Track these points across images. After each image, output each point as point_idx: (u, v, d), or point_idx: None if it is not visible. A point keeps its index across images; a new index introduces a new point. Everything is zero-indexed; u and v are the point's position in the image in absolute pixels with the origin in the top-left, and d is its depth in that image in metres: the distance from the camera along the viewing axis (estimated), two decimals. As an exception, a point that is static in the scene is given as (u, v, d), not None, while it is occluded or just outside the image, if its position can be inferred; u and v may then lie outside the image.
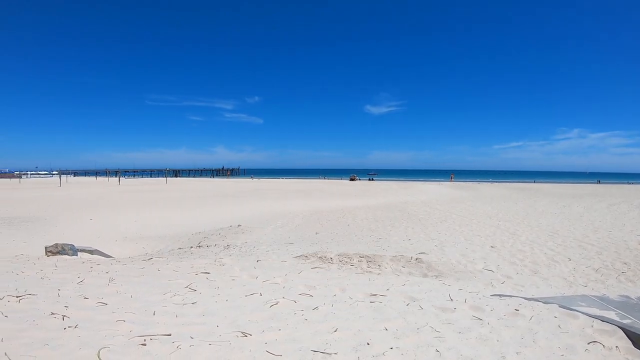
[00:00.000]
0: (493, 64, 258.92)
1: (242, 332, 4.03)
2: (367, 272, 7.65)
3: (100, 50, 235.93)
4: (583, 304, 4.99)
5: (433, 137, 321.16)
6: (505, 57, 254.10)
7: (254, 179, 78.13)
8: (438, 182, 63.50)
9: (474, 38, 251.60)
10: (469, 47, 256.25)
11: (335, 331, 4.11)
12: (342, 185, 55.44)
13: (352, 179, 73.56)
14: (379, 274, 7.51)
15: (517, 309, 4.79)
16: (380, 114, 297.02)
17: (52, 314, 4.29)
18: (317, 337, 3.96)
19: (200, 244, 11.94)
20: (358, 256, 8.94)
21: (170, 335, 3.89)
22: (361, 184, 58.50)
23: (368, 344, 3.81)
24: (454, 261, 9.31)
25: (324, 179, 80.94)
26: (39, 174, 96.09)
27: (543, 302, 5.05)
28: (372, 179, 79.06)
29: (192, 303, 4.96)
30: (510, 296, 5.55)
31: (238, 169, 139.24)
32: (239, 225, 15.88)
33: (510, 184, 61.30)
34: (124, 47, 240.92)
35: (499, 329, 4.16)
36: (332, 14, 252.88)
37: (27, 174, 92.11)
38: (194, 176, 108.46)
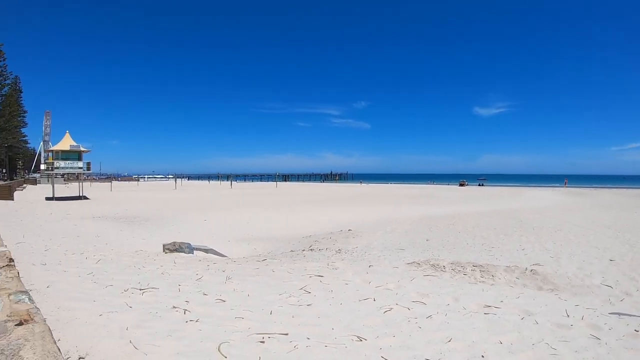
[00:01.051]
0: (608, 62, 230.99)
1: (357, 336, 4.01)
2: (480, 282, 7.47)
3: (212, 60, 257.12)
4: None
5: (545, 139, 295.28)
6: (621, 54, 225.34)
7: (362, 184, 78.54)
8: (551, 188, 59.21)
9: (587, 36, 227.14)
10: (582, 46, 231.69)
11: (449, 341, 4.08)
12: (451, 190, 53.72)
13: (461, 184, 71.51)
14: (492, 284, 7.32)
15: (637, 329, 4.59)
16: (489, 116, 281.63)
17: (174, 307, 4.53)
18: (431, 346, 3.95)
19: (311, 247, 12.13)
20: (471, 265, 8.60)
21: (287, 334, 3.93)
22: (471, 190, 56.23)
23: (482, 356, 3.76)
24: (570, 274, 8.64)
25: (433, 184, 78.82)
26: (155, 177, 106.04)
27: (665, 324, 4.82)
28: (482, 185, 75.47)
29: (307, 305, 5.00)
30: (630, 315, 5.33)
31: (346, 174, 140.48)
32: (349, 230, 15.91)
33: (629, 190, 54.56)
34: (234, 57, 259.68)
35: (618, 351, 3.98)
36: (438, 16, 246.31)
37: (145, 177, 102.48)
38: (303, 181, 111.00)
